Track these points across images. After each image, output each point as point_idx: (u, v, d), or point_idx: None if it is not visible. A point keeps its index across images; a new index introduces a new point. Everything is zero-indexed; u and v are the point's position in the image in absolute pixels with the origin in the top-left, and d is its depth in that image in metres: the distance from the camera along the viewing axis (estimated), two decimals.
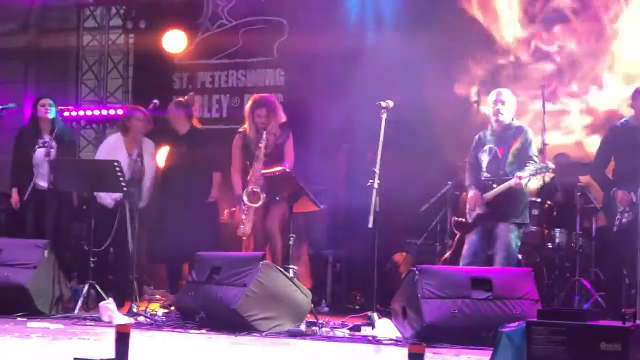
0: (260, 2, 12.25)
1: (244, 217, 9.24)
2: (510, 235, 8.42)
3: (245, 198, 9.19)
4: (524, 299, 7.26)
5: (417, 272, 7.35)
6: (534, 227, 9.73)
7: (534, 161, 8.45)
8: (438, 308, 7.14)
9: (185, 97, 10.45)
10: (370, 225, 7.95)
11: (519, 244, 8.55)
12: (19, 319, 8.04)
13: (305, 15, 11.42)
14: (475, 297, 7.21)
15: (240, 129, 9.50)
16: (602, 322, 5.05)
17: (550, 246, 9.75)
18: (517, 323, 5.18)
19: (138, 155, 9.47)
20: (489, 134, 8.76)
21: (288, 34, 12.04)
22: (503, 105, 8.59)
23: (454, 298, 7.19)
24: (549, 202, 9.80)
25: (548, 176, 9.88)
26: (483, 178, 8.62)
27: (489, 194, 8.51)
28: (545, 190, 10.02)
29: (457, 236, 9.18)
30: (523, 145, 8.53)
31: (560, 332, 4.88)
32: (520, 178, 8.26)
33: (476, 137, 8.88)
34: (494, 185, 8.49)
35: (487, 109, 8.91)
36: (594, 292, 9.34)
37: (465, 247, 8.72)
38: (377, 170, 8.03)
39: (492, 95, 8.72)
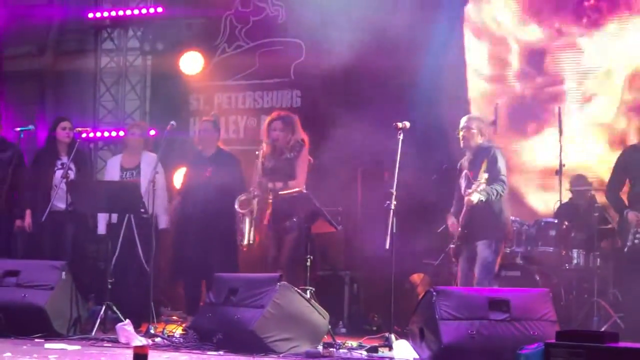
0: (277, 23, 12.29)
1: (241, 225, 9.27)
2: (486, 251, 8.62)
3: (236, 204, 9.23)
4: (541, 320, 7.24)
5: (434, 293, 7.33)
6: (551, 248, 9.72)
7: (501, 179, 8.62)
8: (456, 329, 7.11)
9: (212, 116, 10.42)
10: (387, 246, 7.95)
11: (497, 258, 8.69)
12: (36, 340, 8.05)
13: (322, 37, 11.44)
14: (493, 318, 7.19)
15: (258, 151, 9.50)
16: (622, 344, 5.02)
17: (567, 267, 9.71)
18: (535, 345, 5.17)
19: (135, 168, 9.65)
20: (465, 159, 8.97)
21: (305, 55, 12.06)
22: (468, 132, 8.85)
23: (471, 319, 7.17)
24: (566, 223, 9.76)
25: (566, 196, 9.89)
26: (463, 203, 8.80)
27: (461, 217, 8.72)
28: (562, 211, 9.99)
29: (457, 263, 9.23)
30: (489, 164, 8.66)
31: (579, 354, 4.86)
32: (469, 195, 8.51)
33: (458, 164, 9.09)
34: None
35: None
36: (612, 313, 9.30)
37: (459, 273, 8.93)
38: (393, 191, 8.04)
39: (461, 123, 8.96)
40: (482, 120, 9.02)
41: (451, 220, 8.98)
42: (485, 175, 8.42)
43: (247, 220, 9.23)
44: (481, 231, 8.63)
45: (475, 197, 8.43)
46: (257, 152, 9.44)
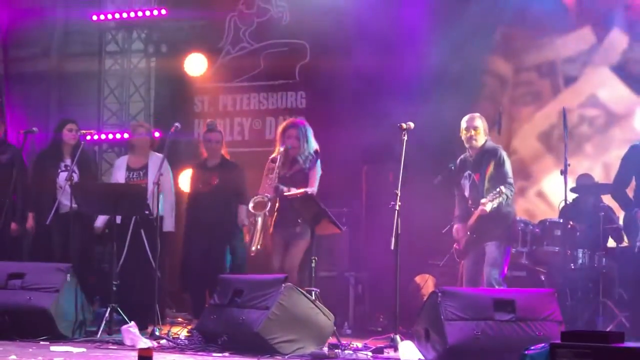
0: (282, 25, 12.28)
1: (252, 228, 9.22)
2: (496, 251, 8.63)
3: (251, 205, 9.16)
4: (547, 321, 7.23)
5: (439, 294, 7.33)
6: (557, 248, 9.71)
7: (509, 183, 8.62)
8: (461, 330, 7.11)
9: (209, 124, 10.37)
10: (392, 247, 7.94)
11: (505, 259, 8.72)
12: (42, 342, 8.05)
13: (327, 38, 11.43)
14: (498, 318, 7.19)
15: (272, 155, 9.46)
16: (628, 344, 5.01)
17: (573, 267, 9.69)
18: (540, 345, 5.15)
19: (142, 169, 9.67)
20: (468, 157, 8.96)
21: (310, 56, 12.05)
22: (475, 131, 8.83)
23: (477, 320, 7.17)
24: (571, 223, 9.75)
25: (571, 197, 9.87)
26: (468, 206, 8.86)
27: (470, 221, 8.73)
28: (567, 211, 9.97)
29: (461, 264, 9.22)
30: (496, 167, 8.70)
31: (585, 355, 4.83)
32: (483, 205, 8.46)
33: (457, 161, 9.11)
34: (474, 210, 8.70)
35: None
36: (618, 313, 9.29)
37: (464, 275, 8.94)
38: (398, 191, 8.03)
39: (464, 122, 8.90)
40: (484, 119, 8.99)
41: (456, 227, 8.97)
42: (503, 188, 8.42)
43: (260, 223, 9.19)
44: (490, 233, 8.63)
45: (489, 207, 8.43)
46: (272, 156, 9.39)
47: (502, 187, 8.43)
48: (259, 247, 9.18)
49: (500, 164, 8.69)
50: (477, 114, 8.97)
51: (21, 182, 10.02)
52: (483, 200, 8.49)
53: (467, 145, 8.90)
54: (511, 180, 8.67)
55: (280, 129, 9.53)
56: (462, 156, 9.08)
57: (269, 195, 9.10)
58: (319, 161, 9.33)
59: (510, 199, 8.64)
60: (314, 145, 9.38)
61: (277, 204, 9.16)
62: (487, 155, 8.79)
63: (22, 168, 10.12)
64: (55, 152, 10.17)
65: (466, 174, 8.91)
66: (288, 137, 9.32)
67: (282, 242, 9.21)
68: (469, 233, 8.72)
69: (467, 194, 8.89)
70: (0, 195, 9.69)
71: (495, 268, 8.58)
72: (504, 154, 8.78)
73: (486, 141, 8.87)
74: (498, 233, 8.66)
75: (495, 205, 8.44)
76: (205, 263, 9.72)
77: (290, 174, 9.26)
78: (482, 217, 8.54)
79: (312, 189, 9.09)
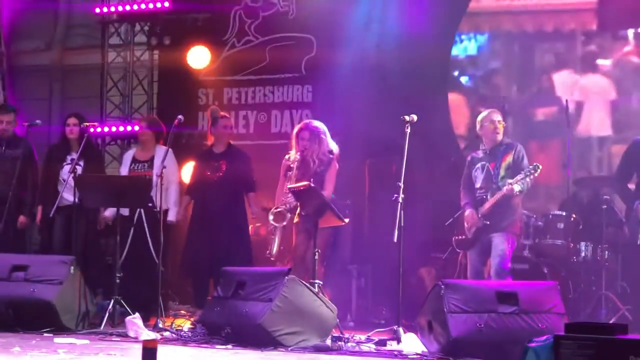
0: (288, 19, 12.24)
1: (272, 237, 9.26)
2: (503, 244, 8.65)
3: (270, 217, 9.19)
4: (550, 313, 7.25)
5: (442, 286, 7.34)
6: (559, 241, 9.71)
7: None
8: (464, 322, 7.12)
9: (213, 111, 10.40)
10: (395, 239, 7.95)
11: (510, 253, 8.72)
12: (45, 334, 8.07)
13: (334, 32, 11.43)
14: (501, 311, 7.19)
15: (288, 155, 9.49)
16: (631, 336, 5.01)
17: (575, 260, 9.70)
18: (544, 337, 5.15)
19: (147, 161, 9.80)
20: (480, 153, 9.01)
21: (316, 50, 12.02)
22: (500, 125, 8.90)
23: (480, 312, 7.17)
24: (574, 216, 9.75)
25: (572, 189, 9.88)
26: (477, 194, 8.88)
27: (484, 207, 8.75)
28: (567, 204, 9.97)
29: (461, 254, 9.20)
30: (516, 160, 8.80)
31: (588, 346, 4.84)
32: (511, 184, 8.52)
33: (468, 158, 9.15)
34: (487, 197, 8.73)
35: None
36: (620, 305, 9.30)
37: (468, 266, 8.95)
38: (401, 184, 8.03)
39: (486, 118, 8.93)
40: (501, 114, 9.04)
41: (469, 211, 8.92)
42: (530, 167, 8.48)
43: (279, 233, 9.23)
44: (499, 224, 8.68)
45: (517, 187, 8.49)
46: (287, 156, 9.42)
47: (530, 167, 8.50)
48: (280, 250, 9.25)
49: (520, 159, 8.77)
50: (495, 109, 9.04)
51: (31, 176, 10.06)
52: (511, 181, 8.53)
53: (487, 140, 8.92)
54: None
55: (294, 132, 9.54)
56: (469, 157, 9.14)
57: (290, 205, 9.14)
58: (334, 161, 9.32)
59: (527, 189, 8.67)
60: (330, 146, 9.37)
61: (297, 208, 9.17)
62: (503, 147, 8.87)
63: (32, 162, 10.15)
64: (63, 146, 10.21)
65: (478, 165, 8.94)
66: (301, 140, 9.33)
67: (307, 233, 9.18)
68: (482, 219, 8.72)
69: (478, 185, 8.91)
70: (8, 188, 9.68)
71: (504, 261, 8.60)
72: (522, 149, 8.87)
73: (503, 136, 8.96)
74: (507, 225, 8.69)
75: (520, 189, 8.50)
76: (211, 252, 9.72)
77: (302, 178, 9.25)
78: (497, 205, 8.58)
79: (327, 194, 9.08)
